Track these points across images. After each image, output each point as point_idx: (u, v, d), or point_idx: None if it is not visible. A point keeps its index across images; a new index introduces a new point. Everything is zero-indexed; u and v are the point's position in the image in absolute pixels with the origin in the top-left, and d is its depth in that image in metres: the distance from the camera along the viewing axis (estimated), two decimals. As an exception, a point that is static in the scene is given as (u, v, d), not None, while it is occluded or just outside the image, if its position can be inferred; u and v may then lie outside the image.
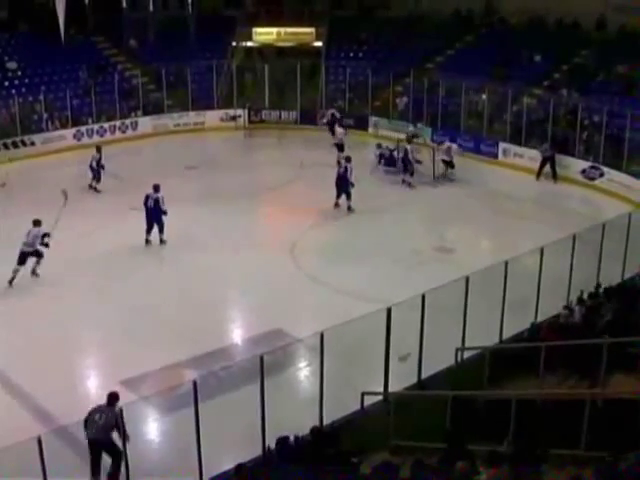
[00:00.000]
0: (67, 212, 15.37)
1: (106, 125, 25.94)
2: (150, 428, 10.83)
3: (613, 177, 20.83)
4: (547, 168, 22.09)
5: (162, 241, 17.02)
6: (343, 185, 19.07)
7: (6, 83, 25.71)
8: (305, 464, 8.21)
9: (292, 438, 8.76)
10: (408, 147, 21.70)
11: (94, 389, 11.64)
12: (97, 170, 20.62)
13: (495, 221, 18.87)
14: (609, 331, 10.12)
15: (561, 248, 12.98)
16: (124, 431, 8.74)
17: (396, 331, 10.54)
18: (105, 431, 9.01)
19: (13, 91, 25.26)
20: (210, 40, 28.95)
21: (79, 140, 25.13)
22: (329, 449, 8.68)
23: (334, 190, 19.15)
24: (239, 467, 8.12)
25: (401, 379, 11.01)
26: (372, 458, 8.73)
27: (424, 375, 11.10)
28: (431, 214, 19.49)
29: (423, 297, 10.54)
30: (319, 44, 29.68)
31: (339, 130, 24.00)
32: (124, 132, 26.31)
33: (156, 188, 16.83)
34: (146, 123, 26.81)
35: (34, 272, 15.19)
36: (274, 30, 29.82)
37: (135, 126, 26.62)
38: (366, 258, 16.10)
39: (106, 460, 9.20)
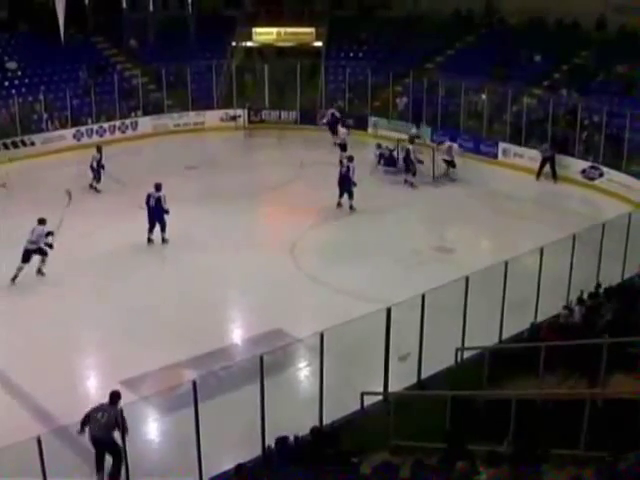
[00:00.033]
0: (68, 212, 15.37)
1: (106, 125, 25.93)
2: (150, 428, 10.83)
3: (613, 177, 20.82)
4: (547, 168, 22.09)
5: (164, 240, 17.03)
6: (346, 185, 19.08)
7: (6, 83, 25.70)
8: (305, 464, 8.21)
9: (292, 438, 8.76)
10: (410, 147, 21.71)
11: (94, 389, 11.65)
12: (97, 170, 20.63)
13: (495, 221, 18.87)
14: (609, 331, 10.13)
15: (561, 248, 12.98)
16: (124, 425, 8.75)
17: (396, 331, 10.55)
18: (107, 429, 9.02)
19: (13, 91, 25.24)
20: (210, 40, 28.95)
21: (79, 140, 25.12)
22: (329, 449, 8.68)
23: (334, 190, 19.15)
24: (239, 467, 8.13)
25: (401, 379, 11.02)
26: (372, 458, 8.73)
27: (424, 375, 11.10)
28: (431, 214, 19.50)
29: (423, 297, 10.54)
30: (319, 44, 29.68)
31: (342, 130, 24.02)
32: (124, 132, 26.31)
33: (158, 187, 16.85)
34: (146, 123, 26.80)
35: (40, 271, 15.20)
36: (274, 30, 29.83)
37: (135, 126, 26.61)
38: (366, 258, 16.10)
39: (108, 459, 9.23)
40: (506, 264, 11.68)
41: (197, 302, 14.06)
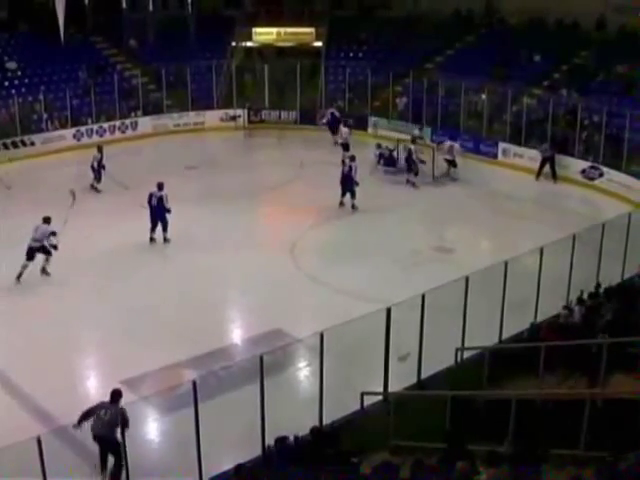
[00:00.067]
0: (64, 212, 15.38)
1: (106, 125, 25.92)
2: (150, 428, 10.83)
3: (613, 177, 20.83)
4: (547, 168, 22.10)
5: (166, 239, 17.05)
6: (348, 184, 19.12)
7: (6, 83, 25.69)
8: (305, 464, 8.20)
9: (292, 438, 8.76)
10: (412, 147, 21.74)
11: (94, 389, 11.63)
12: (98, 170, 20.62)
13: (495, 221, 18.87)
14: (609, 331, 10.13)
15: (561, 248, 12.98)
16: (126, 421, 8.78)
17: (396, 331, 10.54)
18: (110, 427, 9.03)
19: (13, 91, 25.23)
20: (210, 40, 28.94)
21: (79, 140, 25.12)
22: (329, 449, 8.68)
23: (334, 190, 19.16)
24: (238, 467, 8.12)
25: (401, 379, 11.01)
26: (372, 458, 8.73)
27: (424, 375, 11.10)
28: (431, 214, 19.48)
29: (423, 297, 10.53)
30: (319, 44, 29.69)
31: (344, 130, 24.06)
32: (124, 132, 26.31)
33: (160, 186, 16.87)
34: (146, 123, 26.80)
35: (44, 271, 15.20)
36: (274, 30, 29.83)
37: (135, 126, 26.61)
38: (366, 258, 16.10)
39: (110, 458, 9.26)
40: (506, 264, 11.67)
41: (197, 302, 14.06)
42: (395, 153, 22.56)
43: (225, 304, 15.01)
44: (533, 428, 8.44)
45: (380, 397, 10.64)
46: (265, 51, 30.40)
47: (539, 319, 12.15)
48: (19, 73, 26.26)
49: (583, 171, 21.70)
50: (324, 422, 9.86)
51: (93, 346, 13.38)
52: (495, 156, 23.93)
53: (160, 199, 16.73)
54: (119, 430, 8.87)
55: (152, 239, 17.02)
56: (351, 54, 29.64)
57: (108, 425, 9.05)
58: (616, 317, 10.95)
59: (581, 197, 21.11)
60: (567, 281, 12.86)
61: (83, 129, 25.38)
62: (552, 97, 23.12)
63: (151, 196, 16.83)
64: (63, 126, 25.12)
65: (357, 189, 19.09)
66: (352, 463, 8.40)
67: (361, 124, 26.82)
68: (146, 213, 16.91)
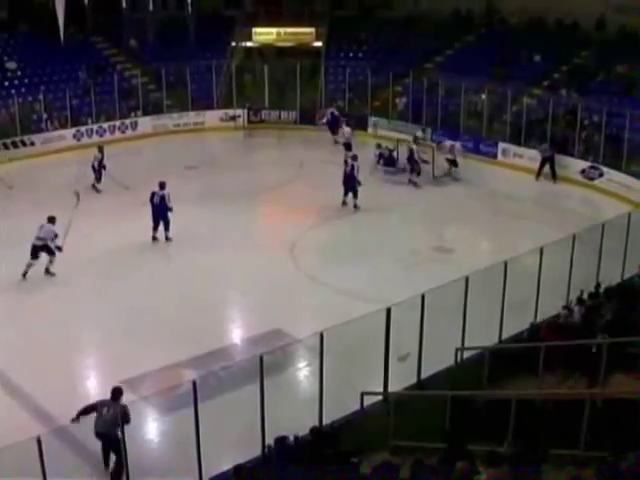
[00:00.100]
0: (68, 212, 15.37)
1: (106, 125, 25.91)
2: (150, 428, 10.83)
3: (612, 177, 20.83)
4: (547, 168, 22.10)
5: (167, 239, 17.06)
6: (350, 183, 19.14)
7: (6, 83, 25.68)
8: (305, 464, 8.21)
9: (292, 438, 8.76)
10: (414, 147, 21.74)
11: (94, 389, 11.61)
12: (98, 170, 20.62)
13: (495, 221, 18.87)
14: (609, 331, 10.13)
15: (561, 248, 12.97)
16: (127, 418, 8.79)
17: (396, 331, 10.54)
18: (112, 425, 9.04)
19: (13, 91, 25.22)
20: (210, 40, 28.93)
21: (79, 140, 25.12)
22: (329, 449, 8.68)
23: (334, 190, 19.17)
24: (238, 468, 8.12)
25: (401, 379, 11.01)
26: (372, 458, 8.73)
27: (424, 375, 11.10)
28: (431, 214, 19.46)
29: (423, 297, 10.53)
30: (319, 44, 29.67)
31: (346, 129, 24.08)
32: (124, 132, 26.30)
33: (162, 185, 16.88)
34: (146, 123, 26.80)
35: (48, 271, 15.21)
36: (274, 30, 29.82)
37: (135, 126, 26.61)
38: (366, 258, 16.09)
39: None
40: (506, 264, 11.67)
41: (197, 302, 14.06)
42: (395, 153, 22.56)
43: (225, 304, 15.00)
44: (533, 428, 8.44)
45: (380, 397, 10.64)
46: (265, 51, 30.39)
47: (539, 319, 12.15)
48: (19, 73, 26.25)
49: (583, 171, 21.70)
50: (324, 422, 9.86)
51: (93, 346, 13.38)
52: (495, 156, 23.92)
53: (162, 198, 16.74)
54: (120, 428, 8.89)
55: (155, 238, 17.03)
56: (351, 54, 29.63)
57: (110, 422, 9.06)
58: (616, 317, 10.96)
59: (581, 197, 21.12)
60: (567, 281, 12.85)
61: (83, 129, 25.38)
62: (552, 97, 23.12)
63: (153, 195, 16.84)
64: (63, 126, 25.11)
65: (358, 189, 19.09)
66: (352, 463, 8.41)
67: (361, 124, 26.79)
68: (146, 213, 16.91)
